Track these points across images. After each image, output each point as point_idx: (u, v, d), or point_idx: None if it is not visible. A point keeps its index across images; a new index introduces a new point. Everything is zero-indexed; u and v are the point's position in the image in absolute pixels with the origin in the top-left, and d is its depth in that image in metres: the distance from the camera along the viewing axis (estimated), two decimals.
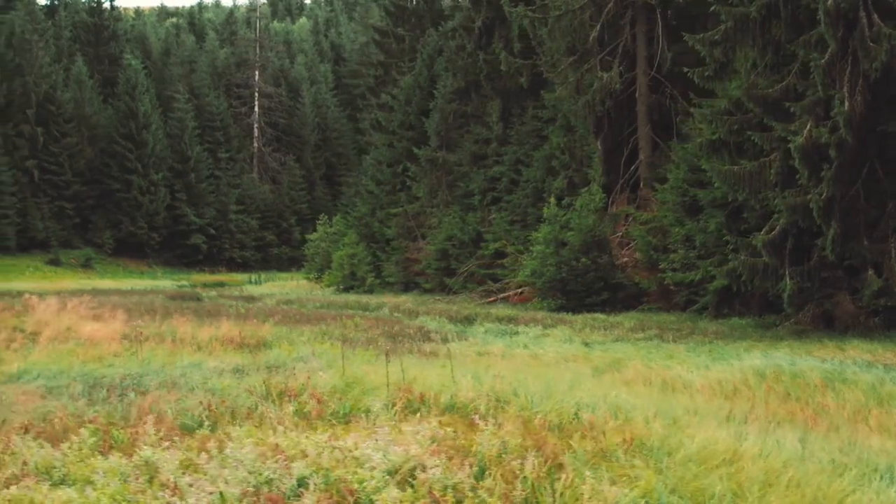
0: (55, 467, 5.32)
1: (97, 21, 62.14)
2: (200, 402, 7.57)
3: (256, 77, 64.64)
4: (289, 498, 4.86)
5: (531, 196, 29.60)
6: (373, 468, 5.13)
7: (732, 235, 18.81)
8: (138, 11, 79.60)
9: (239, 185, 60.73)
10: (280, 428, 6.23)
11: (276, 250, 61.35)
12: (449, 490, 4.75)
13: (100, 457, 5.48)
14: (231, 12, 77.33)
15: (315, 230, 54.20)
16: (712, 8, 19.38)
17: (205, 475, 4.88)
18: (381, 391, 8.39)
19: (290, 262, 60.99)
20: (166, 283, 48.64)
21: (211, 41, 69.24)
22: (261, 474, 5.00)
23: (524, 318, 20.56)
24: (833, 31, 15.40)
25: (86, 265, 53.37)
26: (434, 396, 7.84)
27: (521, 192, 30.16)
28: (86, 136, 56.11)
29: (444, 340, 16.70)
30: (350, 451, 5.52)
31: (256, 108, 64.73)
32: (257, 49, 65.54)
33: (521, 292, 25.40)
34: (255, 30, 67.30)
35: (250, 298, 29.62)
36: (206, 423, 6.63)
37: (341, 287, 33.37)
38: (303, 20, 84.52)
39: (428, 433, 5.97)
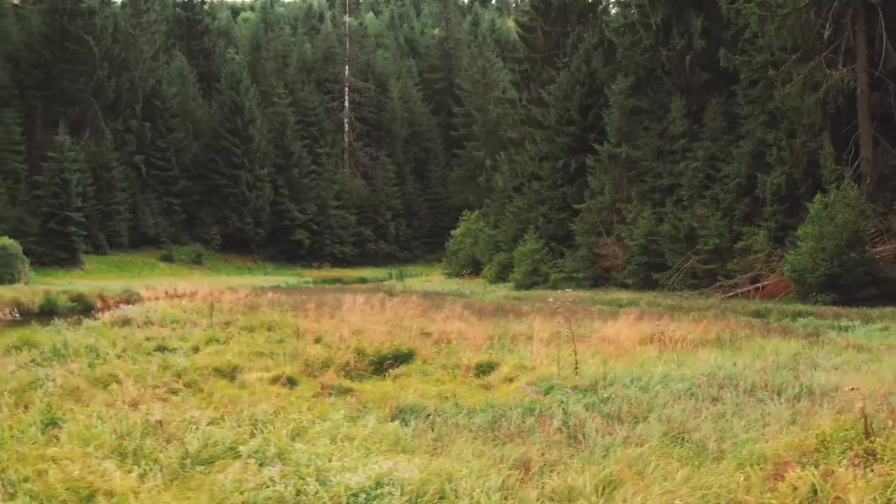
0: None
1: (189, 15, 61.79)
2: None
3: (346, 72, 64.43)
4: None
5: (734, 192, 29.88)
6: None
7: None
8: (212, 6, 78.97)
9: (336, 181, 60.61)
10: None
11: (372, 245, 61.30)
12: None
13: None
14: (310, 6, 77.06)
15: (406, 224, 54.23)
16: None
17: None
18: None
19: (386, 258, 61.01)
20: (290, 278, 48.59)
21: (298, 36, 68.97)
22: None
23: (821, 312, 20.72)
24: None
25: (196, 261, 53.21)
26: None
27: (721, 187, 30.41)
28: (190, 130, 55.86)
29: (811, 335, 16.95)
30: None
31: (346, 103, 64.57)
32: (346, 44, 65.30)
33: (762, 287, 25.71)
34: (345, 24, 67.04)
35: (457, 296, 29.67)
36: None
37: (525, 283, 33.53)
38: (370, 15, 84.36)
39: None
